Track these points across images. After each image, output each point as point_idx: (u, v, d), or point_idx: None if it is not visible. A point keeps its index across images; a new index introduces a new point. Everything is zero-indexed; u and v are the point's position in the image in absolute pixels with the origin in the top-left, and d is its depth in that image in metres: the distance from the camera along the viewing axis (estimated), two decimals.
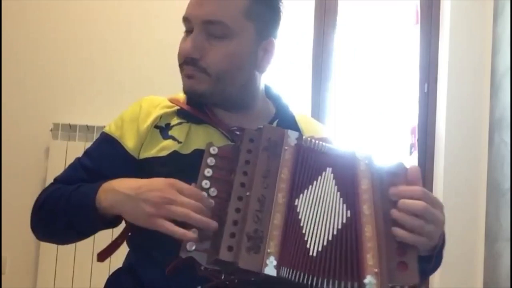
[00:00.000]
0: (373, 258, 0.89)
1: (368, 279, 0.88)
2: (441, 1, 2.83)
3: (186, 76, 1.11)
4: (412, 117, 2.80)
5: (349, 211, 0.94)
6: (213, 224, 0.90)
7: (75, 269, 2.53)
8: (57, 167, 2.54)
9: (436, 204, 0.96)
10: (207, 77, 1.09)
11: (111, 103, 2.66)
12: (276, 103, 1.23)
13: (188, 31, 1.12)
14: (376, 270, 0.88)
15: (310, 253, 0.90)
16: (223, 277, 0.89)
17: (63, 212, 1.06)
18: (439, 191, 2.66)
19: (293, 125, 1.19)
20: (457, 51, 2.72)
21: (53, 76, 2.73)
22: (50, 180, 2.67)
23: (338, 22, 2.86)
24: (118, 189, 0.99)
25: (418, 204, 0.93)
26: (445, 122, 2.69)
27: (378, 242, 0.91)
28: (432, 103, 2.79)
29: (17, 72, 2.72)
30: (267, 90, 1.23)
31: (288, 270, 0.87)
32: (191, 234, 0.89)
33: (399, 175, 0.97)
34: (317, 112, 2.77)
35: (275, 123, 1.17)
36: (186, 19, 1.12)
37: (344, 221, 0.93)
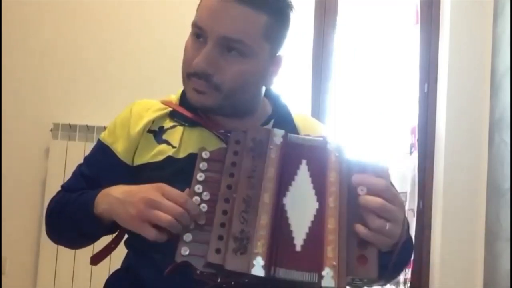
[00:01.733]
0: (333, 251, 0.89)
1: (326, 271, 0.88)
2: (441, 1, 2.83)
3: (195, 90, 1.07)
4: (412, 117, 2.79)
5: (317, 203, 0.94)
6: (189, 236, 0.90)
7: (75, 269, 2.53)
8: (57, 167, 2.55)
9: (394, 201, 0.93)
10: (217, 94, 1.06)
11: (111, 103, 2.66)
12: (274, 103, 1.22)
13: (198, 37, 1.07)
14: (334, 263, 0.88)
15: (296, 249, 0.90)
16: (219, 279, 0.89)
17: (69, 219, 1.08)
18: (439, 191, 2.67)
19: (290, 124, 1.19)
20: (457, 51, 2.72)
21: (53, 76, 2.73)
22: (50, 180, 2.69)
23: (338, 22, 2.86)
24: (112, 194, 1.00)
25: (376, 201, 0.91)
26: (445, 122, 2.69)
27: (339, 235, 0.90)
28: (432, 103, 2.79)
29: (17, 72, 2.72)
30: (266, 90, 1.22)
31: (278, 269, 0.87)
32: (164, 238, 0.90)
33: (368, 169, 0.95)
34: (317, 112, 2.77)
35: (271, 123, 1.17)
36: (199, 28, 1.06)
37: (315, 213, 0.93)
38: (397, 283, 2.59)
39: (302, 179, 0.95)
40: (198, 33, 1.07)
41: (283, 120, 1.18)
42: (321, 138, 1.01)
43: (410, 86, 2.82)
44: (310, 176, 0.95)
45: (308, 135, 1.06)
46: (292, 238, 0.90)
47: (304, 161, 0.96)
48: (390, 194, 0.92)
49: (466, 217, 2.61)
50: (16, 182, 2.65)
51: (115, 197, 0.98)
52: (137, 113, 1.15)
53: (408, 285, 2.58)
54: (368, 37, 2.92)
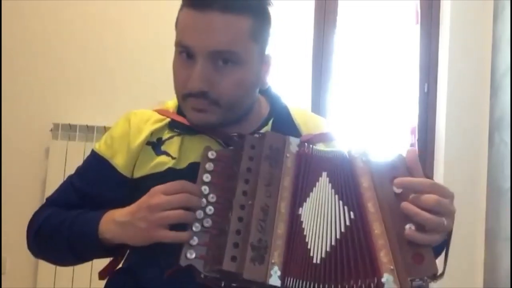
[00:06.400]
0: (386, 255, 0.87)
1: (386, 277, 0.86)
2: (441, 1, 2.83)
3: (194, 110, 1.04)
4: (412, 117, 2.80)
5: (351, 212, 0.92)
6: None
7: (75, 269, 2.53)
8: (57, 167, 2.55)
9: (446, 194, 0.91)
10: (217, 109, 1.03)
11: (111, 103, 2.67)
12: (273, 103, 1.20)
13: (186, 55, 1.03)
14: (391, 267, 0.86)
15: (314, 261, 0.88)
16: (223, 284, 0.88)
17: (65, 240, 1.06)
18: None
19: (289, 123, 1.17)
20: (457, 51, 2.72)
21: (53, 76, 2.73)
22: (50, 180, 2.68)
23: (338, 22, 2.86)
24: (117, 219, 0.99)
25: (431, 199, 0.88)
26: (445, 122, 2.69)
27: (389, 238, 0.89)
28: (432, 103, 2.80)
29: (17, 72, 2.72)
30: (266, 89, 1.20)
31: (293, 280, 0.86)
32: (186, 235, 0.90)
33: (399, 167, 0.94)
34: (317, 112, 2.76)
35: (270, 122, 1.15)
36: (185, 47, 1.02)
37: (348, 223, 0.91)
38: None
39: (323, 191, 0.94)
40: (185, 51, 1.03)
41: (283, 120, 1.16)
42: (343, 148, 1.00)
43: (410, 86, 2.82)
44: (333, 187, 0.94)
45: (312, 138, 1.05)
46: (308, 250, 0.89)
47: (324, 173, 0.95)
48: (439, 188, 0.90)
49: (466, 217, 2.61)
50: (16, 182, 2.65)
51: (121, 222, 0.97)
52: (136, 125, 1.13)
53: None
54: (368, 37, 2.92)
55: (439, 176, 2.69)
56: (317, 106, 2.80)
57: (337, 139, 1.15)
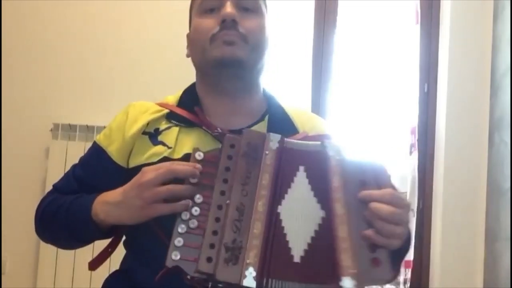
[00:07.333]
0: (349, 259, 0.87)
1: (346, 281, 0.86)
2: (441, 1, 2.83)
3: (226, 43, 1.11)
4: (412, 117, 2.79)
5: (323, 211, 0.91)
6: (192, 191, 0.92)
7: (75, 269, 2.53)
8: (57, 167, 2.55)
9: (401, 204, 0.94)
10: (245, 45, 1.11)
11: (111, 103, 2.66)
12: (268, 101, 1.22)
13: (210, 12, 1.13)
14: (352, 271, 0.86)
15: (295, 260, 0.88)
16: (209, 285, 0.87)
17: (63, 224, 1.08)
18: (439, 191, 2.66)
19: (286, 120, 1.18)
20: (457, 51, 2.72)
21: (53, 76, 2.73)
22: (50, 180, 2.68)
23: (338, 22, 2.86)
24: (110, 200, 1.01)
25: (387, 209, 0.90)
26: (445, 122, 2.69)
27: (352, 242, 0.89)
28: (432, 103, 2.79)
29: (17, 72, 2.72)
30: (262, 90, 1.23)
31: (271, 280, 0.85)
32: (181, 205, 0.91)
33: (367, 172, 0.94)
34: (317, 112, 2.76)
35: (265, 118, 1.16)
36: None
37: (320, 222, 0.91)
38: (397, 283, 2.59)
39: (300, 186, 0.93)
40: (210, 5, 1.13)
41: (277, 118, 1.18)
42: (319, 142, 0.98)
43: (410, 86, 2.82)
44: (310, 183, 0.93)
45: (306, 138, 1.05)
46: (289, 249, 0.88)
47: (301, 168, 0.94)
48: (397, 200, 0.93)
49: (466, 217, 2.61)
50: (16, 182, 2.65)
51: (115, 202, 0.99)
52: (133, 116, 1.15)
53: (408, 285, 2.58)
54: (368, 37, 2.92)
55: (439, 176, 2.69)
56: (317, 106, 2.80)
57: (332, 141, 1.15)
